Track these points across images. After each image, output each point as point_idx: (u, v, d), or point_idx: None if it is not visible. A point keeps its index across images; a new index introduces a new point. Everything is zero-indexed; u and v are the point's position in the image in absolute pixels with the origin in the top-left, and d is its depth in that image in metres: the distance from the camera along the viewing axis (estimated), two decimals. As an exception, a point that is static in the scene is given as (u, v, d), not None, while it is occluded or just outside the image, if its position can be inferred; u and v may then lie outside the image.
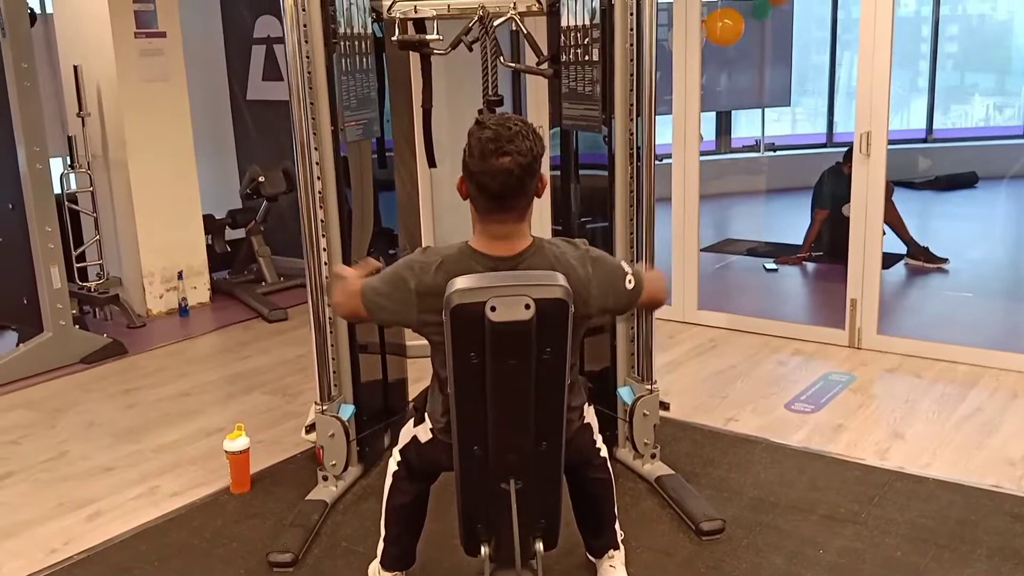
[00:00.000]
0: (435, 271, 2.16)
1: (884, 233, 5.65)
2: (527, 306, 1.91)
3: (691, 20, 4.97)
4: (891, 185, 5.72)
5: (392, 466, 2.55)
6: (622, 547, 2.71)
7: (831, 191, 6.24)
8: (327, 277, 2.52)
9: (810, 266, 6.48)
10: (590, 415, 2.52)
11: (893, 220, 6.15)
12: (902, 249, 6.33)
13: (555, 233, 3.70)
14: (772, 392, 4.24)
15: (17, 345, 4.89)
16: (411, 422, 2.48)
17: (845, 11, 9.61)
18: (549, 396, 2.06)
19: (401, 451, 2.52)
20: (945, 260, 6.31)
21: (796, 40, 9.30)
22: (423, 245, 2.31)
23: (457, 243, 2.24)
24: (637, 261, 3.28)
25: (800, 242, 6.59)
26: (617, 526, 2.69)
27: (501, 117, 2.16)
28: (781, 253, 6.67)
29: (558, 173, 3.84)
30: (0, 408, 4.38)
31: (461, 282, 1.98)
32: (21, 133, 4.64)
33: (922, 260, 6.30)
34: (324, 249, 3.24)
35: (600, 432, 2.59)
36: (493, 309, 1.91)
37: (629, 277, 2.30)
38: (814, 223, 6.47)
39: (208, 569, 2.92)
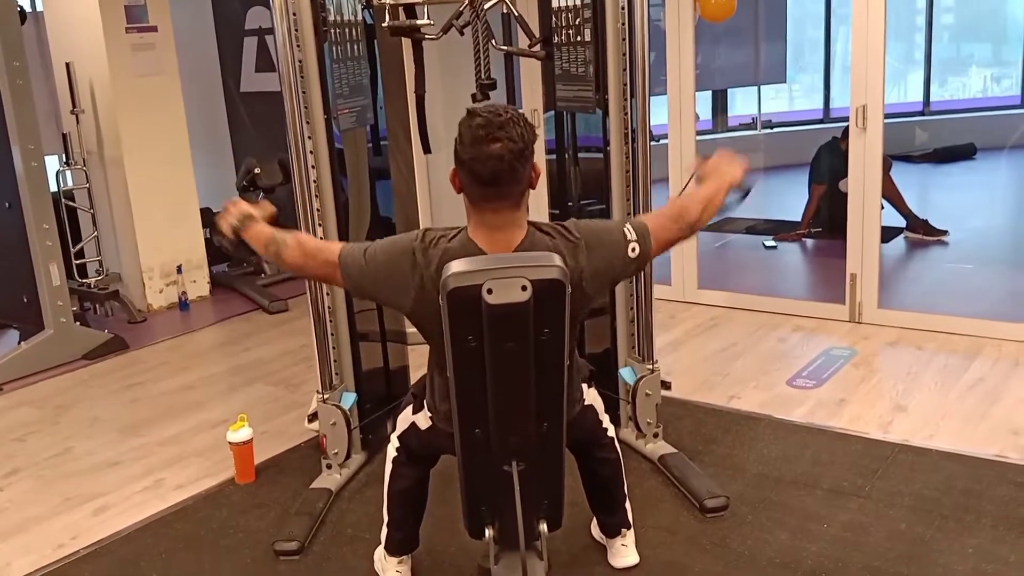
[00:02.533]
0: (438, 265, 2.10)
1: (883, 207, 5.64)
2: (523, 288, 1.91)
3: (683, -2, 4.95)
4: (889, 159, 5.71)
5: (391, 452, 2.56)
6: (633, 526, 2.72)
7: (828, 166, 6.24)
8: (232, 216, 2.42)
9: (809, 242, 6.48)
10: (592, 396, 2.52)
11: (891, 194, 6.13)
12: (901, 223, 6.32)
13: (552, 217, 3.70)
14: (774, 369, 4.24)
15: (19, 343, 4.90)
16: (409, 409, 2.49)
17: (839, -15, 9.56)
18: (549, 377, 2.06)
19: (400, 437, 2.53)
20: (944, 232, 6.30)
21: (790, 15, 9.26)
22: (418, 229, 2.26)
23: (456, 230, 2.20)
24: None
25: (799, 219, 6.58)
26: (628, 504, 2.70)
27: (491, 105, 2.13)
28: (780, 230, 6.67)
29: (554, 156, 3.84)
30: (4, 406, 4.39)
31: (457, 265, 1.97)
32: (15, 132, 4.64)
33: (921, 233, 6.29)
34: (321, 238, 3.24)
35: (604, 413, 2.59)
36: (489, 292, 1.90)
37: (632, 246, 2.23)
38: (812, 199, 6.47)
39: (215, 559, 2.94)
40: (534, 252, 2.12)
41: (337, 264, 2.25)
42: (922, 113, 9.94)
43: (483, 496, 2.22)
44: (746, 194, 2.52)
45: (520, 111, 2.14)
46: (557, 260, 2.00)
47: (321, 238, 3.23)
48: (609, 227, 2.30)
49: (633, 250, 2.24)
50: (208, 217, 6.20)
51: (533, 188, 2.17)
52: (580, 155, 3.71)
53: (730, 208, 2.51)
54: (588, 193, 3.67)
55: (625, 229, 2.27)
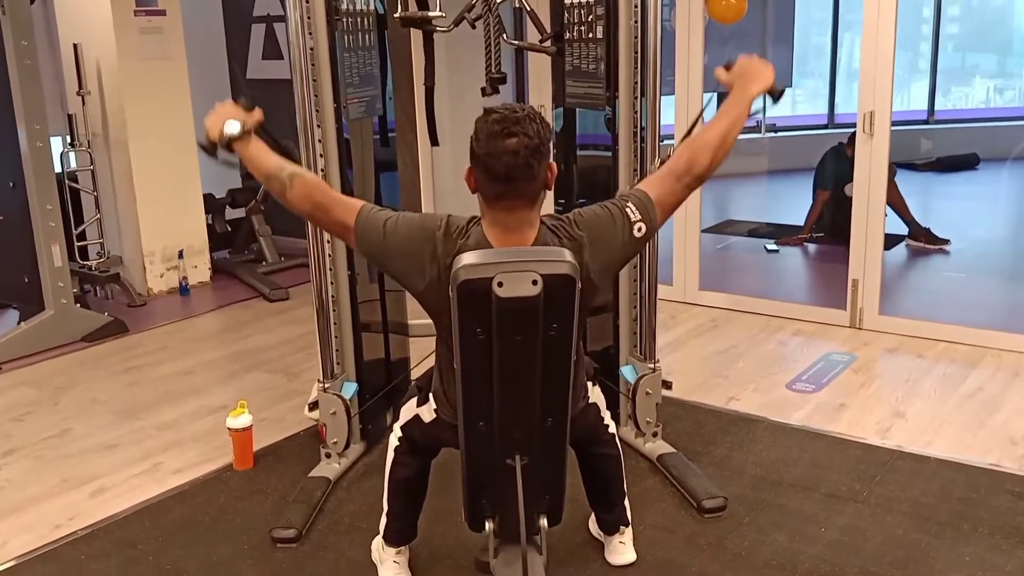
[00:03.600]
0: (453, 260, 2.06)
1: (886, 214, 5.64)
2: (534, 282, 1.91)
3: (694, -1, 4.95)
4: (893, 166, 5.72)
5: (393, 442, 2.56)
6: (631, 523, 2.73)
7: (833, 172, 6.24)
8: (225, 122, 2.23)
9: (811, 247, 6.48)
10: (596, 394, 2.53)
11: (895, 200, 6.14)
12: (904, 230, 6.33)
13: (557, 209, 3.70)
14: (773, 372, 4.25)
15: (19, 323, 4.89)
16: (414, 400, 2.48)
17: (847, -9, 9.56)
18: (555, 372, 2.06)
19: (403, 428, 2.53)
20: (946, 241, 6.31)
21: (798, 20, 9.25)
22: (440, 214, 2.20)
23: (475, 223, 2.16)
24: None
25: (801, 223, 6.58)
26: (627, 502, 2.70)
27: (508, 104, 2.12)
28: (782, 234, 6.67)
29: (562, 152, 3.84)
30: (3, 386, 4.39)
31: (468, 258, 1.97)
32: (21, 112, 4.63)
33: (923, 241, 6.30)
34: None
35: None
36: (500, 285, 1.90)
37: (638, 226, 2.18)
38: (815, 204, 6.47)
39: (212, 545, 2.94)
40: (546, 247, 2.12)
41: (353, 228, 2.19)
42: (926, 122, 9.95)
43: (485, 489, 2.22)
44: (779, 97, 2.39)
45: (536, 109, 2.13)
46: (568, 255, 2.00)
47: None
48: (611, 214, 2.20)
49: (639, 230, 2.19)
50: (211, 203, 6.21)
51: (549, 188, 2.14)
52: (588, 152, 3.71)
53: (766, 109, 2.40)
54: (595, 190, 3.67)
55: (627, 210, 2.19)
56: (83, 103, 5.51)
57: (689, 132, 2.39)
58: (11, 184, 4.79)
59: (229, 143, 2.28)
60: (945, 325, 4.59)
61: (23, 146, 4.67)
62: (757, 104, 2.35)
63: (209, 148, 2.33)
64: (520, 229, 2.14)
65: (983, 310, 5.06)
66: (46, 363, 4.66)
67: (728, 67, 2.37)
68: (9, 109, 4.65)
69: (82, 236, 5.64)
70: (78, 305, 5.03)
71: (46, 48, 5.63)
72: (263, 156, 2.29)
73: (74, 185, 5.60)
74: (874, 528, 2.92)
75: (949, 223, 6.62)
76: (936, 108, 10.07)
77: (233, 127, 2.27)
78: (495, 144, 2.04)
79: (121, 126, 5.55)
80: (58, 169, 5.20)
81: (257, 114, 2.34)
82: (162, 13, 5.58)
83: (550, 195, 3.69)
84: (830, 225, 6.28)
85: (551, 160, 2.13)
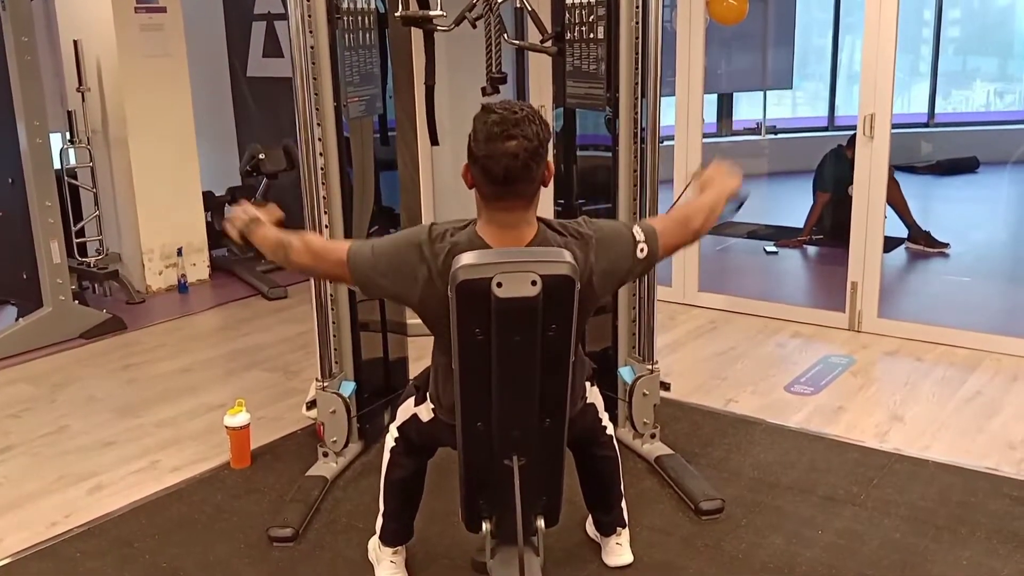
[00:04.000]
0: (445, 258, 2.10)
1: (886, 217, 5.63)
2: (533, 282, 1.91)
3: (695, 0, 4.94)
4: (891, 168, 5.72)
5: (390, 442, 2.55)
6: (628, 525, 2.72)
7: (832, 175, 6.24)
8: (239, 220, 2.41)
9: (810, 249, 6.48)
10: (594, 395, 2.52)
11: (897, 201, 6.15)
12: (903, 233, 6.33)
13: (557, 214, 3.69)
14: (772, 374, 4.24)
15: (17, 320, 4.89)
16: (411, 400, 2.48)
17: (849, -7, 9.56)
18: (554, 373, 2.06)
19: (400, 428, 2.52)
20: (946, 244, 6.31)
21: (799, 22, 9.25)
22: (426, 223, 2.26)
23: (464, 224, 2.19)
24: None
25: (800, 225, 6.58)
26: (624, 503, 2.70)
27: (507, 102, 2.12)
28: (781, 236, 6.67)
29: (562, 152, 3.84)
30: (0, 382, 4.38)
31: (467, 258, 1.97)
32: (21, 108, 4.62)
33: (923, 244, 6.30)
34: (326, 226, 3.23)
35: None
36: (499, 285, 1.90)
37: (641, 247, 2.24)
38: (815, 206, 6.47)
39: (208, 543, 2.93)
40: (545, 247, 2.12)
41: (346, 262, 2.24)
42: (926, 125, 9.95)
43: (482, 490, 2.22)
44: (741, 204, 2.59)
45: (535, 109, 2.13)
46: (568, 256, 2.00)
47: (327, 226, 3.23)
48: (618, 227, 2.31)
49: (642, 251, 2.25)
50: (210, 200, 6.20)
51: (545, 186, 2.16)
52: (588, 153, 3.71)
53: (726, 217, 2.56)
54: (594, 191, 3.67)
55: (634, 231, 2.28)
56: (83, 100, 5.50)
57: (677, 200, 2.58)
58: (10, 180, 4.78)
59: (244, 238, 2.45)
60: (944, 328, 4.59)
61: (23, 142, 4.66)
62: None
63: (236, 249, 2.58)
64: (517, 227, 2.15)
65: (982, 314, 5.06)
66: (44, 360, 4.65)
67: (703, 169, 2.54)
68: (9, 105, 4.64)
69: (81, 233, 5.63)
70: (76, 302, 5.02)
71: (46, 44, 5.62)
72: (268, 234, 2.41)
73: (73, 182, 5.59)
74: (872, 531, 2.92)
75: (949, 226, 6.61)
76: (936, 111, 10.07)
77: (248, 226, 2.42)
78: (494, 146, 2.04)
79: (121, 123, 5.54)
80: (57, 166, 5.19)
81: (276, 214, 2.49)
82: (163, 10, 5.57)
83: (549, 196, 3.70)
84: (830, 227, 6.28)
85: (548, 159, 2.14)
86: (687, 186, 2.57)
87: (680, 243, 2.39)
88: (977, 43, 11.15)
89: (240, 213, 2.44)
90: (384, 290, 2.31)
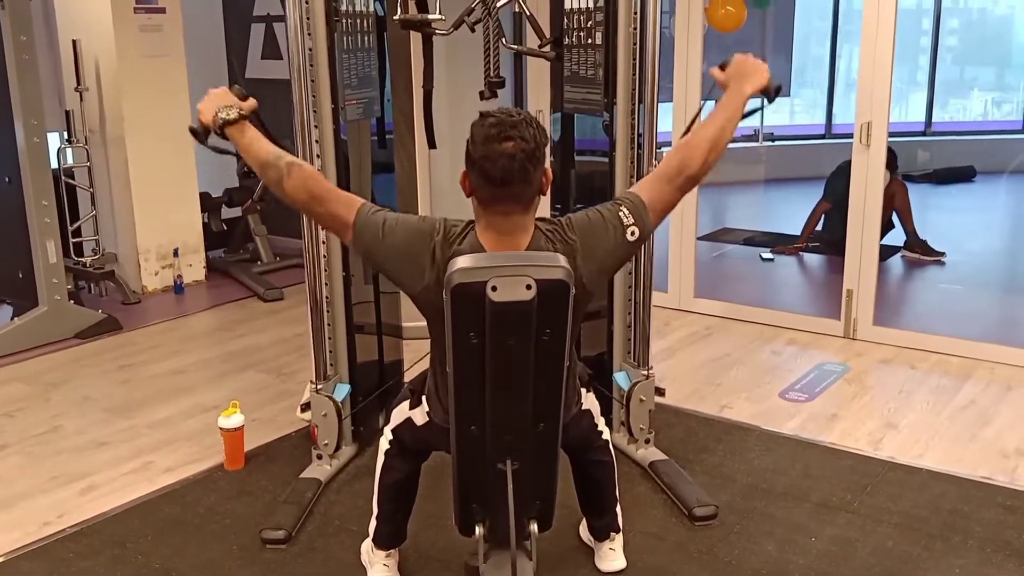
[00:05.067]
0: (449, 260, 2.09)
1: (892, 225, 5.65)
2: (528, 287, 1.91)
3: (693, 6, 4.96)
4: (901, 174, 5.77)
5: (384, 444, 2.55)
6: (621, 530, 2.73)
7: (837, 187, 6.23)
8: (220, 109, 2.22)
9: (807, 256, 6.49)
10: (590, 400, 2.52)
11: (903, 208, 6.16)
12: (899, 241, 6.34)
13: (553, 215, 3.69)
14: (766, 381, 4.25)
15: (12, 319, 4.88)
16: (406, 404, 2.48)
17: (847, 2, 9.58)
18: (548, 377, 2.06)
19: (394, 431, 2.52)
20: (942, 253, 6.31)
21: (797, 30, 9.28)
22: (436, 218, 2.21)
23: (470, 228, 2.17)
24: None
25: (797, 232, 6.58)
26: (618, 508, 2.70)
27: (505, 108, 2.13)
28: (778, 243, 6.67)
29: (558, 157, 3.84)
30: (-6, 381, 4.38)
31: (463, 261, 1.97)
32: (19, 106, 4.62)
33: (919, 252, 6.31)
34: (323, 229, 3.23)
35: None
36: (494, 289, 1.90)
37: (631, 230, 2.18)
38: (814, 213, 6.46)
39: (201, 544, 2.93)
40: (540, 252, 2.12)
41: (351, 225, 2.18)
42: (923, 133, 9.97)
43: (475, 493, 2.22)
44: (775, 95, 2.36)
45: (532, 115, 2.13)
46: (563, 261, 2.00)
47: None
48: (604, 218, 2.21)
49: (632, 233, 2.20)
50: (207, 201, 6.20)
51: (544, 194, 2.16)
52: (586, 157, 3.71)
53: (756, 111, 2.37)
54: (592, 196, 3.67)
55: (620, 214, 2.20)
56: (81, 99, 5.50)
57: (686, 133, 2.38)
58: (7, 179, 4.77)
59: (223, 127, 2.26)
60: (939, 337, 4.60)
61: (20, 141, 4.66)
62: (754, 103, 2.35)
63: (201, 132, 2.31)
64: (514, 233, 2.14)
65: (977, 323, 5.07)
66: (39, 359, 4.64)
67: (723, 66, 2.36)
68: (6, 104, 4.63)
69: (77, 233, 5.62)
70: (72, 302, 5.02)
71: (45, 44, 5.62)
72: (259, 143, 2.28)
73: (70, 181, 5.59)
74: (864, 539, 2.92)
75: (945, 235, 6.62)
76: (934, 120, 10.09)
77: (229, 111, 2.25)
78: (491, 148, 2.04)
79: (118, 123, 5.54)
80: (55, 165, 5.19)
81: (252, 102, 2.32)
82: (162, 11, 5.58)
83: (545, 200, 3.70)
84: (830, 235, 6.28)
85: (547, 165, 2.13)
86: (694, 119, 2.35)
87: (676, 199, 2.26)
88: (975, 53, 11.18)
89: (219, 96, 2.29)
90: (384, 269, 2.26)
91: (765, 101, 2.39)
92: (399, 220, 2.21)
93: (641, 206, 2.22)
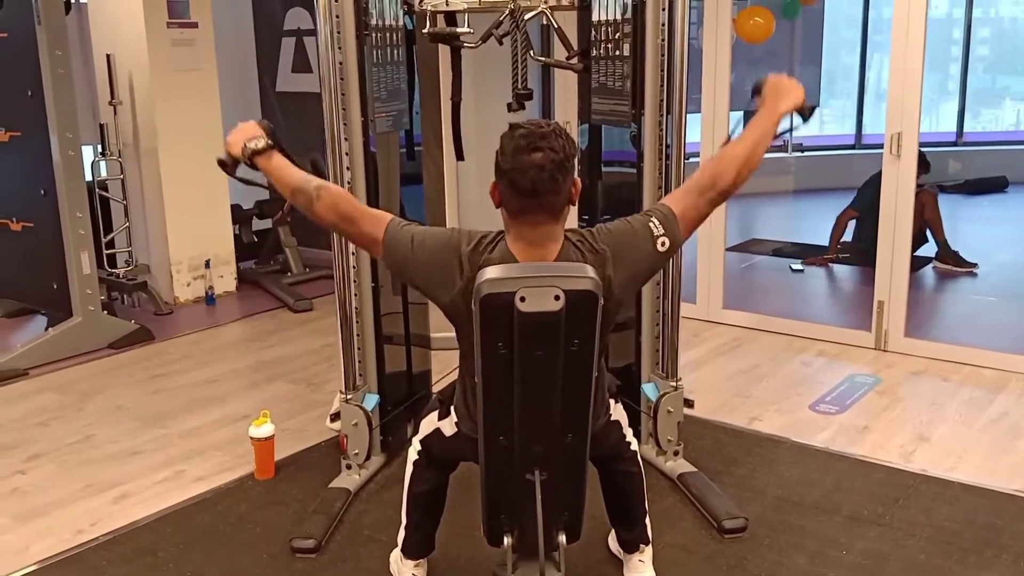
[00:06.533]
0: (479, 269, 2.10)
1: (926, 240, 5.59)
2: (556, 297, 1.92)
3: (722, 17, 4.95)
4: (935, 187, 5.70)
5: (412, 455, 2.56)
6: (651, 542, 2.72)
7: (872, 196, 6.19)
8: (249, 140, 2.30)
9: (836, 268, 6.44)
10: (618, 411, 2.52)
11: (934, 219, 6.11)
12: (931, 252, 6.28)
13: (581, 225, 3.70)
14: (797, 392, 4.22)
15: (47, 329, 4.95)
16: (435, 414, 2.49)
17: (876, 11, 9.53)
18: (576, 389, 2.06)
19: (422, 441, 2.53)
20: (974, 264, 6.25)
21: (826, 40, 9.23)
22: (464, 230, 2.24)
23: (500, 238, 2.19)
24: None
25: (826, 243, 6.54)
26: (647, 520, 2.69)
27: (533, 119, 2.15)
28: (807, 254, 6.64)
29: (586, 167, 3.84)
30: (29, 391, 4.44)
31: (491, 272, 1.98)
32: (55, 120, 4.70)
33: (951, 264, 6.25)
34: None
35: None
36: (523, 299, 1.91)
37: (662, 240, 2.20)
38: (839, 222, 6.41)
39: (232, 553, 2.95)
40: (568, 263, 2.13)
41: (381, 241, 2.23)
42: (955, 143, 9.88)
43: (504, 504, 2.22)
44: (810, 114, 2.40)
45: (562, 125, 2.15)
46: (591, 271, 2.00)
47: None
48: (634, 228, 2.23)
49: (663, 244, 2.21)
50: (238, 213, 6.26)
51: (573, 204, 2.17)
52: (613, 169, 3.72)
53: (791, 128, 2.39)
54: (619, 207, 3.67)
55: (651, 224, 2.22)
56: (115, 113, 5.58)
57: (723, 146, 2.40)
58: (42, 192, 4.85)
59: (252, 156, 2.33)
60: (971, 349, 4.55)
61: (55, 154, 4.73)
62: (785, 123, 2.37)
63: (230, 164, 2.39)
64: (544, 244, 2.16)
65: (1010, 334, 5.00)
66: (72, 369, 4.71)
67: (758, 88, 2.40)
68: (42, 117, 4.71)
69: (111, 244, 5.69)
70: (105, 312, 5.08)
71: (80, 58, 5.70)
72: (288, 170, 2.35)
73: (104, 194, 5.66)
74: (896, 552, 2.89)
75: (977, 246, 6.56)
76: (965, 130, 10.00)
77: (257, 142, 2.33)
78: (521, 159, 2.06)
79: (152, 136, 5.62)
80: (89, 178, 5.27)
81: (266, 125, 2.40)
82: (194, 25, 5.65)
83: (574, 210, 3.71)
84: (858, 246, 6.23)
85: (575, 176, 2.14)
86: (727, 141, 2.37)
87: (706, 212, 2.28)
88: (1007, 62, 11.07)
89: (248, 129, 2.36)
90: (414, 283, 2.29)
91: (799, 119, 2.41)
92: (427, 233, 2.24)
93: (672, 217, 2.23)
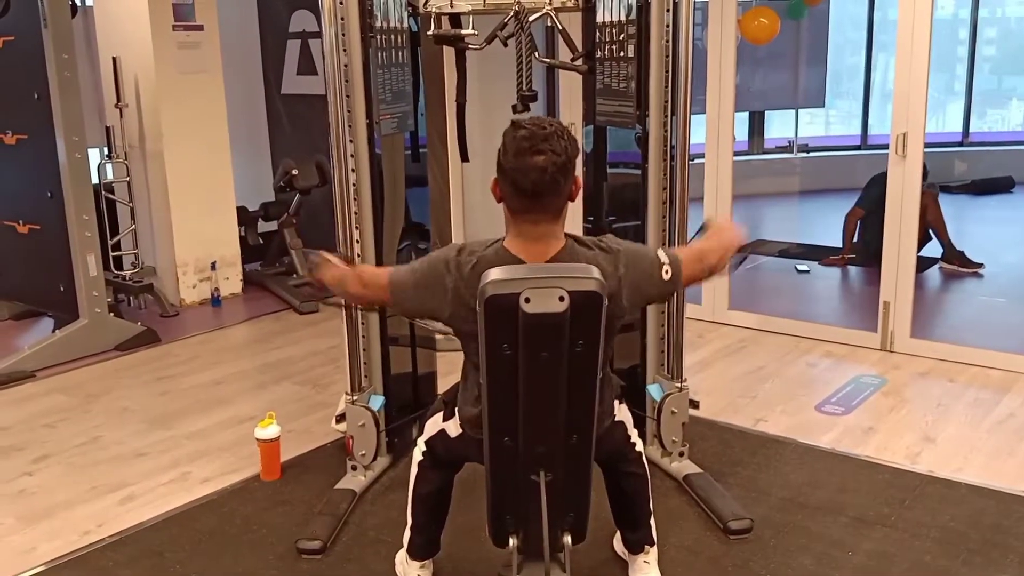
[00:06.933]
0: (471, 271, 2.15)
1: (930, 238, 5.57)
2: (561, 298, 1.92)
3: (726, 18, 4.95)
4: (936, 186, 5.67)
5: (417, 456, 2.57)
6: (656, 543, 2.72)
7: (878, 195, 6.18)
8: (313, 265, 2.56)
9: (841, 269, 6.43)
10: (623, 412, 2.52)
11: (936, 221, 6.10)
12: (936, 252, 6.27)
13: (587, 231, 3.70)
14: (802, 393, 4.22)
15: (53, 331, 4.97)
16: (439, 415, 2.50)
17: (881, 12, 9.51)
18: (580, 389, 2.06)
19: (427, 442, 2.54)
20: (980, 265, 6.24)
21: (831, 41, 9.22)
22: (457, 242, 2.31)
23: (492, 241, 2.24)
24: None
25: (832, 244, 6.53)
26: (652, 521, 2.69)
27: (536, 118, 2.17)
28: (813, 255, 6.62)
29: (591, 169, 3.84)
30: (36, 392, 4.45)
31: (495, 273, 1.99)
32: (61, 123, 4.71)
33: (957, 264, 6.24)
34: (357, 242, 3.26)
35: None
36: (527, 301, 1.91)
37: (666, 268, 2.27)
38: (849, 222, 6.40)
39: (238, 554, 2.96)
40: (573, 263, 2.13)
41: (387, 286, 2.33)
42: (961, 144, 9.87)
43: (509, 505, 2.22)
44: (741, 262, 2.67)
45: (564, 125, 2.16)
46: (595, 272, 2.01)
47: (357, 241, 3.26)
48: (645, 248, 2.40)
49: (666, 272, 2.28)
50: (244, 216, 6.27)
51: (573, 201, 2.20)
52: (618, 170, 3.72)
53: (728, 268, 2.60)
54: (624, 208, 3.67)
55: (659, 253, 2.32)
56: (121, 115, 5.60)
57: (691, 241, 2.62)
58: (49, 194, 4.87)
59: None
60: (977, 350, 4.54)
61: (61, 157, 4.75)
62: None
63: (316, 287, 2.68)
64: (544, 240, 2.18)
65: (1016, 335, 4.99)
66: (79, 371, 4.72)
67: (704, 227, 2.61)
68: (49, 120, 4.73)
69: (117, 246, 5.72)
70: (111, 314, 5.10)
71: (86, 61, 5.72)
72: (334, 271, 2.51)
73: (110, 196, 5.69)
74: (902, 553, 2.88)
75: (983, 246, 6.54)
76: (971, 130, 9.98)
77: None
78: (523, 161, 2.08)
79: (157, 138, 5.63)
80: (95, 180, 5.29)
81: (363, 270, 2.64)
82: (200, 28, 5.66)
83: (579, 212, 3.71)
84: (863, 247, 6.22)
85: (576, 175, 2.16)
86: (699, 232, 2.60)
87: (697, 277, 2.43)
88: (1013, 62, 11.04)
89: (320, 261, 2.56)
90: (417, 306, 2.36)
91: (737, 262, 2.66)
92: (422, 259, 2.34)
93: (676, 259, 2.33)
